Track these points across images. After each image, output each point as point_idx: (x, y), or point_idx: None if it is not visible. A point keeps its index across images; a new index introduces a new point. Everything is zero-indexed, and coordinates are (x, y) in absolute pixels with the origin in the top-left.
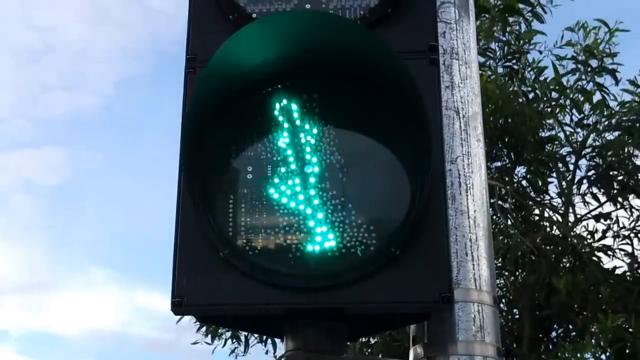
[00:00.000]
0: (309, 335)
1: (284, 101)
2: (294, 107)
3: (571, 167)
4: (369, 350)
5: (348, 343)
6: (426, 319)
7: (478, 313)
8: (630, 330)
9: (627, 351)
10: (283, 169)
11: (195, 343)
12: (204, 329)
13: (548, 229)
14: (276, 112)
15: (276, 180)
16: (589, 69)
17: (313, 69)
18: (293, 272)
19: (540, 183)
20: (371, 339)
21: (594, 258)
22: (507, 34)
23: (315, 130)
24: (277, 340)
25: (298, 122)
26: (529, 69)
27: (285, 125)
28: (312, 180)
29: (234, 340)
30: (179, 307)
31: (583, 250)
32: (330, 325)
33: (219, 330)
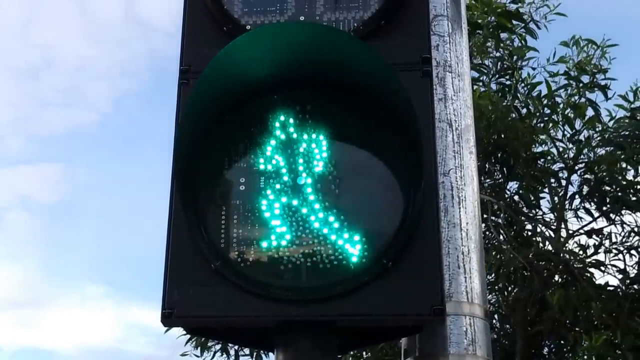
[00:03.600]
0: (300, 348)
1: (278, 112)
2: (288, 118)
3: (563, 182)
4: None
5: (339, 356)
6: (418, 331)
7: (470, 326)
8: (622, 345)
9: None
10: (276, 181)
11: (184, 354)
12: (193, 341)
13: (540, 245)
14: (269, 124)
15: (269, 192)
16: (581, 85)
17: (307, 81)
18: (285, 284)
19: (532, 198)
20: (363, 353)
21: (586, 274)
22: (500, 50)
23: (308, 142)
24: (267, 354)
25: (291, 134)
26: (522, 84)
27: (279, 136)
28: (304, 191)
29: (223, 353)
30: (169, 318)
31: (575, 265)
32: (321, 337)
33: (208, 343)
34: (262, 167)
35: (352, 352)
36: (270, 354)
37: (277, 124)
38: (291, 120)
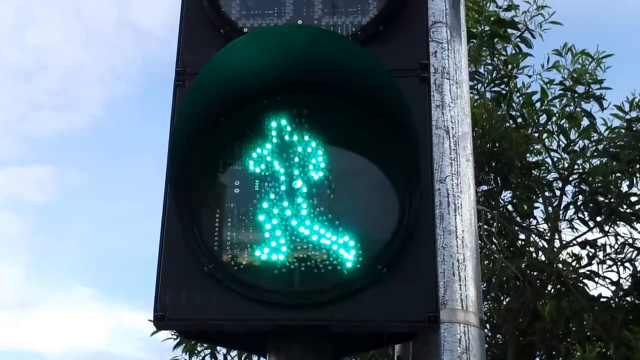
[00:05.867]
0: (293, 352)
1: (274, 116)
2: (284, 122)
3: (557, 192)
4: None
5: None
6: (411, 338)
7: (464, 334)
8: (613, 357)
9: None
10: (271, 184)
11: (174, 359)
12: (182, 346)
13: (533, 255)
14: (265, 127)
15: (263, 195)
16: (576, 95)
17: (304, 84)
18: (278, 289)
19: (526, 208)
20: None
21: (580, 284)
22: (495, 58)
23: (304, 146)
24: (259, 358)
25: (287, 137)
26: (517, 93)
27: (274, 140)
28: (299, 196)
29: (212, 359)
30: (161, 321)
31: (568, 276)
32: (314, 343)
33: (197, 348)
34: (257, 170)
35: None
36: (262, 358)
37: (273, 128)
38: (287, 124)
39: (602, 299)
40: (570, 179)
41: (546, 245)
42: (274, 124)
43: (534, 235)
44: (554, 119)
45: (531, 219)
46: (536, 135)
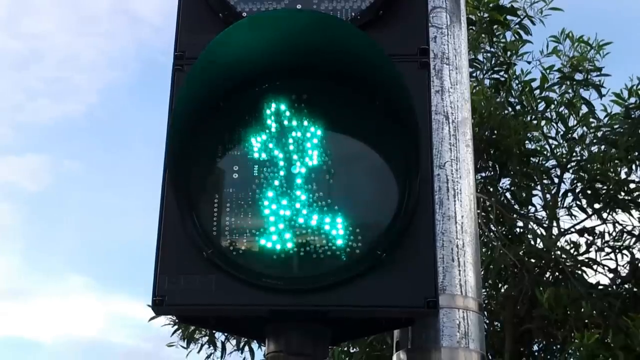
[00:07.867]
0: (291, 337)
1: (273, 101)
2: (283, 107)
3: (556, 180)
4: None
5: (330, 347)
6: (410, 324)
7: (463, 319)
8: (612, 345)
9: None
10: (270, 169)
11: (170, 345)
12: (179, 332)
13: (532, 242)
14: (264, 112)
15: (262, 180)
16: (574, 82)
17: (303, 69)
18: (277, 274)
19: (524, 195)
20: (351, 349)
21: (578, 272)
22: (494, 45)
23: (303, 131)
24: (255, 348)
25: (286, 123)
26: (516, 81)
27: (274, 125)
28: (298, 181)
29: (210, 345)
30: (160, 306)
31: (566, 264)
32: (313, 328)
33: (195, 335)
34: (256, 155)
35: (341, 348)
36: (258, 345)
37: (272, 113)
38: (286, 109)
39: (600, 287)
40: (569, 166)
41: (544, 233)
42: (273, 109)
43: (532, 223)
44: (552, 106)
45: (529, 207)
46: (535, 122)
